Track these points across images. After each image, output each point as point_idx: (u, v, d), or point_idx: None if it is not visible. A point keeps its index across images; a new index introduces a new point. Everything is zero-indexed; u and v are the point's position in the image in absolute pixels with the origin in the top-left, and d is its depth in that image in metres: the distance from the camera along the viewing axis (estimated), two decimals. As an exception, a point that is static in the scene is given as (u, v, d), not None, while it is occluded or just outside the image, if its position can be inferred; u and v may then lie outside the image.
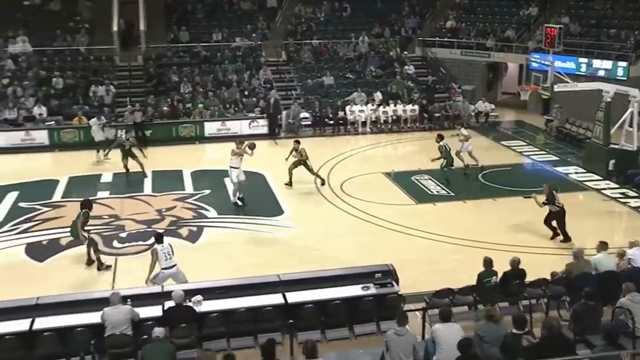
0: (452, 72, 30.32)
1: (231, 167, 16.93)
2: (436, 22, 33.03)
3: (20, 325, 9.77)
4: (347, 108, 26.08)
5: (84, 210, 13.66)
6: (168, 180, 19.66)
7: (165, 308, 10.11)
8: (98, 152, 21.86)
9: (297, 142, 19.02)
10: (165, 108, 25.44)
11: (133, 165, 19.94)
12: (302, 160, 18.65)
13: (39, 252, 14.40)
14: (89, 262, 13.74)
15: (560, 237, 14.62)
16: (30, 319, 9.89)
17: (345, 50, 30.24)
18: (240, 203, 17.23)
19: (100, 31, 29.03)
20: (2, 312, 10.03)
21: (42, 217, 16.50)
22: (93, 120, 22.40)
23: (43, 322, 9.88)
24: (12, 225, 15.92)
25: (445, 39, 31.30)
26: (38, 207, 17.22)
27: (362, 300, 10.75)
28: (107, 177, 19.99)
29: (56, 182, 19.40)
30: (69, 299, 10.76)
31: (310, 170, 18.78)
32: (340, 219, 16.50)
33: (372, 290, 10.89)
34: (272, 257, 13.89)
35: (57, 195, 18.27)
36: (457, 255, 13.92)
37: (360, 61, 29.77)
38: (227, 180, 17.91)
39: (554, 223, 14.68)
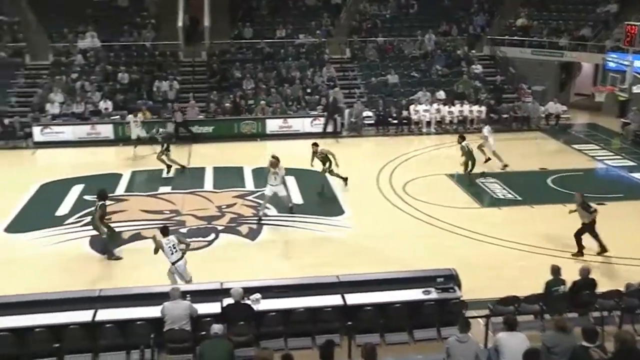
0: (522, 72, 29.69)
1: (270, 184, 16.31)
2: (506, 20, 32.36)
3: (84, 316, 10.12)
4: (412, 107, 25.92)
5: (100, 203, 14.00)
6: (229, 176, 19.95)
7: (224, 305, 10.26)
8: (135, 147, 22.41)
9: (315, 144, 18.51)
10: (227, 104, 25.85)
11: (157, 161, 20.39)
12: (327, 159, 18.20)
13: (102, 244, 14.80)
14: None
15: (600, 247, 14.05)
16: (93, 310, 10.23)
17: (410, 48, 30.02)
18: (262, 217, 16.39)
19: (165, 26, 29.75)
20: (67, 302, 10.42)
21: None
22: (130, 117, 22.98)
23: (105, 314, 10.20)
24: (77, 218, 16.46)
25: (516, 37, 30.66)
26: (102, 200, 17.75)
27: (423, 305, 10.66)
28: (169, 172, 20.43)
29: (119, 176, 20.00)
30: (130, 292, 11.07)
31: (329, 168, 18.30)
32: (402, 220, 16.40)
33: (434, 294, 10.79)
34: (331, 257, 13.93)
35: (121, 189, 18.82)
36: (523, 262, 13.63)
37: (426, 60, 29.52)
38: (287, 179, 18.01)
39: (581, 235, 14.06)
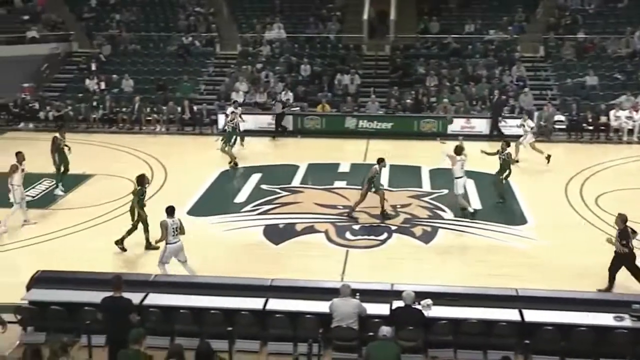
0: None
1: (456, 178, 16.41)
2: None
3: (255, 303, 10.66)
4: (612, 113, 24.33)
5: (138, 188, 14.31)
6: (405, 175, 19.95)
7: (394, 307, 10.29)
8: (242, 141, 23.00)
9: (381, 160, 16.51)
10: (408, 101, 25.91)
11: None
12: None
13: (275, 234, 15.49)
14: (148, 246, 14.36)
15: None
16: (264, 299, 10.75)
17: (615, 47, 28.10)
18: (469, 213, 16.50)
19: (350, 19, 30.48)
20: (241, 288, 11.09)
21: (280, 200, 17.76)
22: (229, 108, 23.31)
23: (275, 304, 10.67)
24: (254, 206, 17.33)
25: None
26: (278, 190, 18.57)
27: (614, 332, 9.98)
28: (344, 167, 20.88)
29: (296, 167, 20.78)
30: (301, 285, 11.48)
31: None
32: (593, 236, 15.39)
33: (627, 322, 10.08)
34: (510, 269, 13.48)
35: (296, 181, 19.55)
36: None
37: (632, 60, 27.50)
38: (469, 182, 17.68)
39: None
